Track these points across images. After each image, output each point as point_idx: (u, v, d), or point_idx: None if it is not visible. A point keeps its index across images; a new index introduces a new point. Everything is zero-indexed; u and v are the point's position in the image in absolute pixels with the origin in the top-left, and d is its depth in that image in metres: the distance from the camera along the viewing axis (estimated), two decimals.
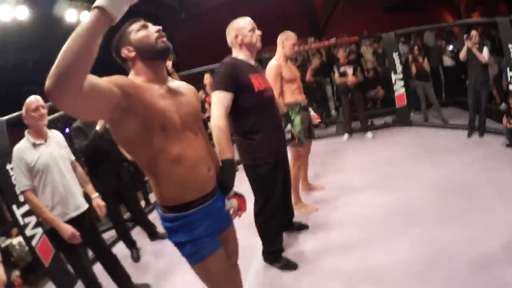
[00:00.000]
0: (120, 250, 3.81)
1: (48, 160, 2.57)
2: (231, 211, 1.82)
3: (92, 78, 1.15)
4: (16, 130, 2.90)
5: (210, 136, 2.35)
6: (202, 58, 12.18)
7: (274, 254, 2.89)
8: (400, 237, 2.92)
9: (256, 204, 2.79)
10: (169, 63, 4.35)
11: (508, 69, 5.09)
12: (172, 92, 1.55)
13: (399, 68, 6.44)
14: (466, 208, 3.16)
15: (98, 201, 2.93)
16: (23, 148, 2.56)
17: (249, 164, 2.67)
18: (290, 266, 2.84)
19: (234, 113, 2.48)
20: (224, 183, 1.81)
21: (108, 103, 1.26)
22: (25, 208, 3.24)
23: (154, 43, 1.48)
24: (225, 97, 2.33)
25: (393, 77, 6.50)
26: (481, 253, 2.49)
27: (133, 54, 1.49)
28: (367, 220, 3.30)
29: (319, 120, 3.83)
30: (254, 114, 2.52)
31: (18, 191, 2.76)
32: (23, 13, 6.34)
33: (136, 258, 3.74)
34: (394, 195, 3.69)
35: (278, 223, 2.91)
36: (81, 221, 2.69)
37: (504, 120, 4.49)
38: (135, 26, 1.50)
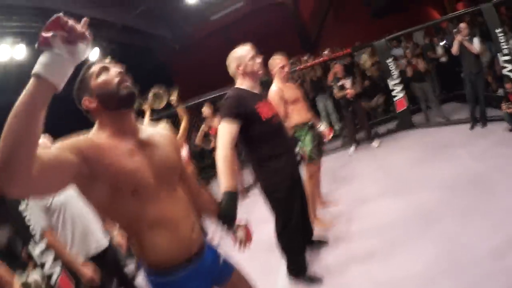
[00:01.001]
0: (141, 283, 3.87)
1: (64, 198, 2.53)
2: (237, 244, 1.79)
3: (42, 155, 1.00)
4: None
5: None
6: (200, 86, 12.42)
7: (299, 272, 2.95)
8: (421, 239, 2.97)
9: (277, 226, 2.84)
10: (173, 98, 4.38)
11: (499, 54, 5.24)
12: (143, 145, 1.36)
13: (395, 73, 6.53)
14: (481, 199, 3.23)
15: (118, 238, 2.95)
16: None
17: (267, 189, 2.73)
18: (315, 281, 2.89)
19: (246, 143, 2.58)
20: (226, 217, 1.76)
21: (65, 175, 1.10)
22: (42, 246, 3.24)
23: (116, 89, 1.28)
24: (231, 127, 2.37)
25: (390, 83, 6.58)
26: (500, 241, 2.56)
27: (94, 105, 1.29)
28: (386, 228, 3.36)
29: (332, 134, 3.88)
30: (265, 142, 2.58)
31: (35, 232, 2.73)
32: (21, 52, 6.44)
33: None
34: (409, 198, 3.75)
35: (301, 241, 2.97)
36: (104, 257, 2.67)
37: (503, 106, 4.58)
38: (95, 69, 1.31)
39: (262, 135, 2.56)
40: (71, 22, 0.99)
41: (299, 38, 12.26)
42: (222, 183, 2.11)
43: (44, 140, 2.71)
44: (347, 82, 6.21)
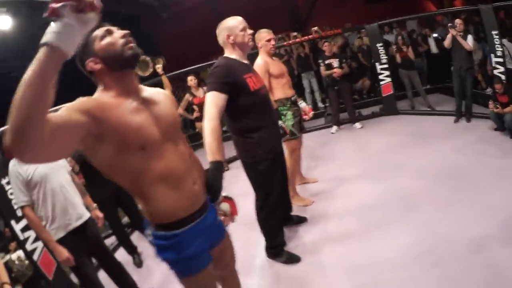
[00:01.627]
0: (122, 256, 3.83)
1: (45, 171, 2.53)
2: (222, 218, 1.74)
3: (52, 119, 1.02)
4: None
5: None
6: (186, 56, 12.16)
7: (277, 249, 2.95)
8: (397, 224, 3.00)
9: (257, 201, 2.83)
10: (159, 66, 4.34)
11: (492, 55, 5.22)
12: (147, 103, 1.41)
13: (384, 58, 6.50)
14: (460, 192, 3.25)
15: (96, 213, 2.96)
16: (17, 162, 2.52)
17: (249, 161, 2.70)
18: (293, 259, 2.90)
19: (232, 113, 2.52)
20: (212, 186, 1.74)
21: (75, 137, 1.13)
22: (24, 222, 3.19)
23: (120, 50, 1.32)
24: (219, 97, 2.32)
25: (378, 67, 6.55)
26: (478, 235, 2.58)
27: (99, 66, 1.32)
28: (363, 209, 3.38)
29: (312, 113, 3.86)
30: (251, 113, 2.54)
31: (16, 206, 2.71)
32: (6, 23, 6.27)
33: (138, 263, 3.76)
34: (388, 183, 3.76)
35: (279, 218, 2.97)
36: (84, 231, 2.68)
37: (491, 104, 4.57)
38: (99, 32, 1.33)
39: (248, 106, 2.51)
40: None
41: (289, 17, 12.07)
42: (209, 153, 2.06)
43: None
44: (335, 61, 6.16)
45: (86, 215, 2.74)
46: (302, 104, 3.77)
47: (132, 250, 3.85)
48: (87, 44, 1.32)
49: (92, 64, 1.32)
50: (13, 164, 2.53)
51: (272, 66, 3.49)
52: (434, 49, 7.89)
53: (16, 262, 4.79)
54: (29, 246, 3.23)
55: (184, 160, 1.47)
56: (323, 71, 6.32)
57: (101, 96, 1.33)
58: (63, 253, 2.49)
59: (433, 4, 11.82)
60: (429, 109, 6.36)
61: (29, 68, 0.93)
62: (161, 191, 1.37)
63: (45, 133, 0.97)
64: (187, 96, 5.70)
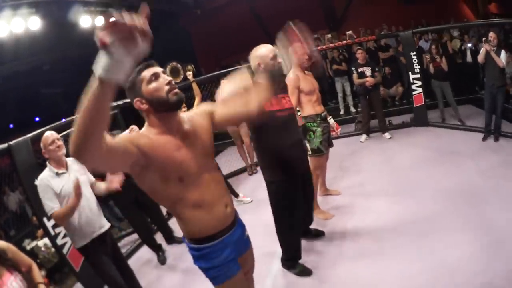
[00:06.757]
0: (144, 254, 4.04)
1: (72, 188, 2.65)
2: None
3: (109, 141, 1.20)
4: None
5: None
6: (220, 52, 12.30)
7: (292, 261, 3.07)
8: (409, 248, 3.05)
9: (276, 219, 2.92)
10: (189, 73, 4.43)
11: None
12: (186, 137, 1.58)
13: (416, 67, 6.36)
14: (475, 220, 3.20)
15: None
16: (47, 177, 2.71)
17: (270, 180, 2.80)
18: (305, 272, 3.03)
19: (253, 132, 2.67)
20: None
21: (125, 160, 1.35)
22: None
23: (166, 97, 1.48)
24: None
25: (411, 76, 6.41)
26: (482, 275, 2.54)
27: (146, 106, 1.50)
28: (380, 229, 3.43)
29: (339, 129, 3.87)
30: (268, 134, 2.67)
31: (48, 214, 2.81)
32: (35, 23, 6.54)
33: (162, 260, 3.95)
34: (408, 202, 3.76)
35: (298, 233, 3.07)
36: (105, 238, 2.92)
37: None
38: (146, 74, 1.49)
39: (265, 127, 2.63)
40: (129, 20, 0.96)
41: (324, 14, 11.98)
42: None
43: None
44: (367, 70, 6.10)
45: (107, 225, 2.98)
46: (331, 121, 3.80)
47: (157, 248, 4.04)
48: (135, 84, 1.50)
49: (139, 104, 1.51)
50: (41, 179, 2.71)
51: (304, 82, 3.50)
52: (469, 58, 7.67)
53: (43, 249, 5.04)
54: (59, 241, 3.49)
55: (217, 187, 1.67)
56: (355, 79, 6.26)
57: (149, 132, 1.52)
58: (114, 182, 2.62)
59: (468, 7, 11.45)
60: (459, 123, 6.21)
61: (85, 94, 1.02)
62: (195, 214, 1.59)
63: (102, 147, 1.14)
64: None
